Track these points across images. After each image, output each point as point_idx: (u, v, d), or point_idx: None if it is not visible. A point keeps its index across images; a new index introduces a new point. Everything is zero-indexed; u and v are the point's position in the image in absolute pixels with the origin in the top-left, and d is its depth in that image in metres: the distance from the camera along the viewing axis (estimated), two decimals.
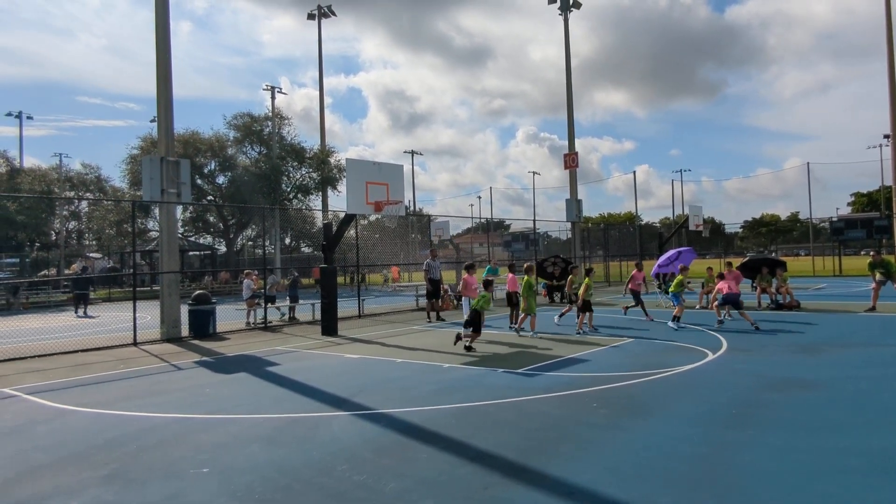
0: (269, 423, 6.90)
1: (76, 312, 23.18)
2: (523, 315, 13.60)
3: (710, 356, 10.03)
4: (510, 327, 14.65)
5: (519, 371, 9.34)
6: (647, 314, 15.47)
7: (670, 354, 10.36)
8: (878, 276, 15.50)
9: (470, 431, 6.24)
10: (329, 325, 14.98)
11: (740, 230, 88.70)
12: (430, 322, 17.12)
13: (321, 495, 4.73)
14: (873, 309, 15.37)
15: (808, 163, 36.71)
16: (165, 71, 15.45)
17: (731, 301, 13.68)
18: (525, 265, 14.52)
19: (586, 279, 13.89)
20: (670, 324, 13.78)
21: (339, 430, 6.53)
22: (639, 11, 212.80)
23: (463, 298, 13.35)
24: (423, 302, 21.45)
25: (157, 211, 35.53)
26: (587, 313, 13.65)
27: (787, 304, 17.17)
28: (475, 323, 11.44)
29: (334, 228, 15.83)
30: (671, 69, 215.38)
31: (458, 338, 11.66)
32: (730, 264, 17.26)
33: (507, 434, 6.12)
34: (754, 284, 18.34)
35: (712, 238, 40.23)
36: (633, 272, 17.08)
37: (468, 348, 11.31)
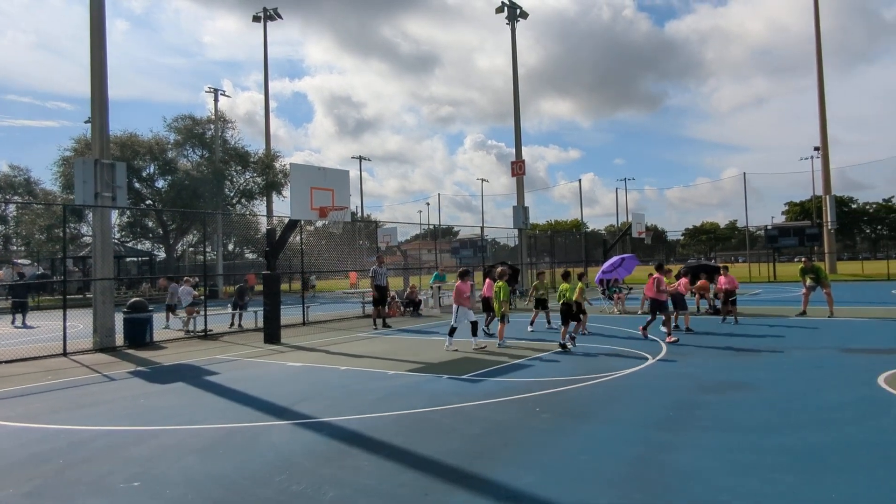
0: (205, 434, 6.67)
1: (13, 323, 21.72)
2: (500, 325, 13.06)
3: (650, 360, 10.27)
4: (484, 330, 14.50)
5: (463, 377, 9.34)
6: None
7: (611, 360, 10.56)
8: (808, 281, 16.25)
9: (412, 438, 6.19)
10: (272, 332, 14.66)
11: (682, 237, 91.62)
12: (376, 329, 16.96)
13: None
14: (804, 313, 16.09)
15: (744, 173, 38.30)
16: (100, 69, 14.86)
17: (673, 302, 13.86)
18: (498, 270, 14.17)
19: (579, 284, 12.98)
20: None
21: (278, 439, 6.37)
22: (583, 24, 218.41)
23: (454, 307, 12.71)
24: (370, 309, 21.27)
25: (90, 215, 34.16)
26: (575, 322, 12.52)
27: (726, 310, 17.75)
28: (568, 315, 11.96)
29: (278, 234, 15.53)
30: (615, 80, 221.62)
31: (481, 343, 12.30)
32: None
33: (449, 440, 6.10)
34: (693, 290, 18.91)
35: (655, 245, 41.43)
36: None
37: (563, 346, 11.74)
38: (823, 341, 11.82)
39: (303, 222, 19.12)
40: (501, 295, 13.26)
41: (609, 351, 11.47)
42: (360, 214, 71.23)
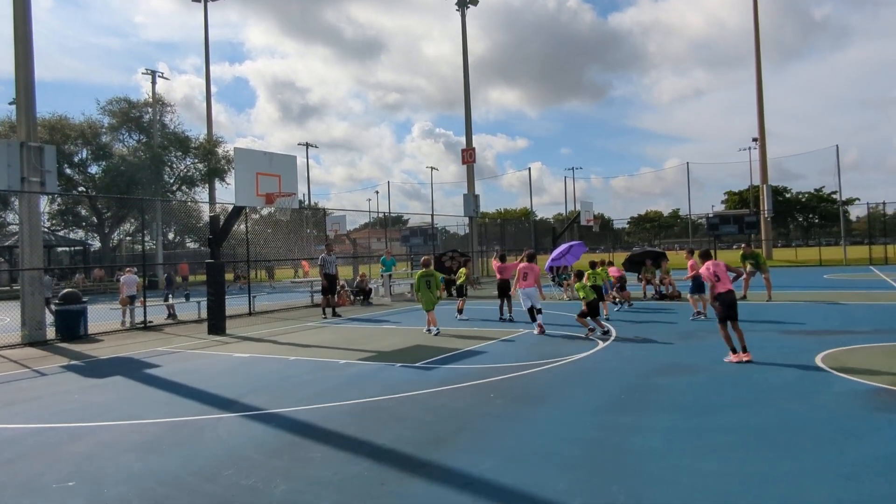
0: (146, 429, 6.35)
1: None
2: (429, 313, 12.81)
3: (601, 345, 10.39)
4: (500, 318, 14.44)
5: (417, 365, 9.22)
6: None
7: (563, 344, 10.64)
8: (748, 266, 16.79)
9: (366, 428, 6.04)
10: (216, 323, 14.19)
11: (627, 225, 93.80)
12: (325, 318, 16.65)
13: (206, 502, 4.37)
14: (744, 297, 16.61)
15: (687, 163, 39.44)
16: (25, 47, 13.97)
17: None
18: (423, 258, 14.01)
19: (597, 271, 12.86)
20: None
21: (225, 433, 6.12)
22: (529, 14, 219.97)
23: (519, 290, 12.68)
24: (319, 298, 20.92)
25: (17, 202, 32.33)
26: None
27: (670, 295, 18.22)
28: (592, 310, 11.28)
29: (222, 222, 15.00)
30: (560, 70, 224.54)
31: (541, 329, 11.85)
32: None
33: (404, 428, 5.98)
34: (640, 276, 19.32)
35: (602, 233, 42.24)
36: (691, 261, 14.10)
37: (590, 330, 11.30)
38: (762, 324, 12.21)
39: (248, 210, 18.58)
40: (432, 284, 12.94)
41: (560, 336, 11.56)
42: (307, 202, 70.05)
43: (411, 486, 4.54)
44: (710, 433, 5.46)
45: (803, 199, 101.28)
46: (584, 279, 11.73)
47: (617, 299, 16.51)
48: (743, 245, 18.16)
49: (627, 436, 5.46)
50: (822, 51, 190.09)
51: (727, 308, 8.47)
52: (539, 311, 12.38)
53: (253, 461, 5.19)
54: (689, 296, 14.07)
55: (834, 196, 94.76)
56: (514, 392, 7.28)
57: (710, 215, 41.27)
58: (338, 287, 18.87)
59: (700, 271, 8.97)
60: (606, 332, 11.41)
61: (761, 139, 40.54)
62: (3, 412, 7.31)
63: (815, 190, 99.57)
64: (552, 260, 20.65)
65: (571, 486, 4.37)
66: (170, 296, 18.16)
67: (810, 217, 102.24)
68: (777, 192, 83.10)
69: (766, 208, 38.68)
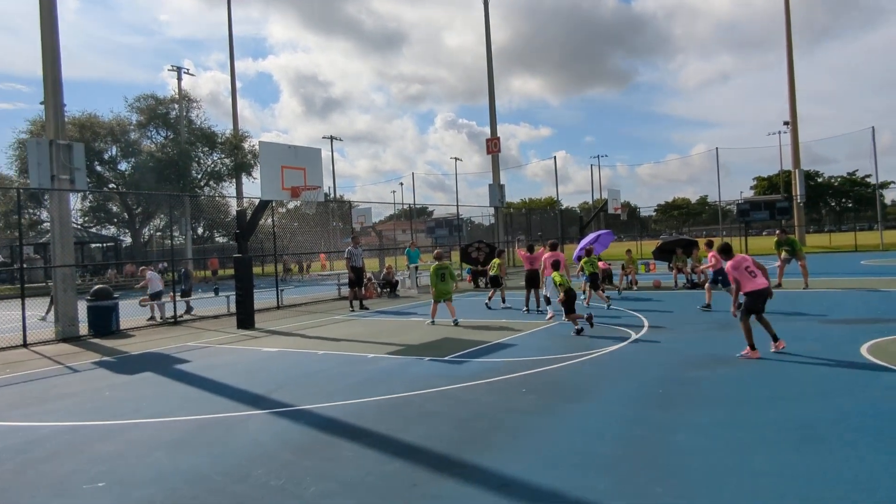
0: (176, 426, 6.31)
1: None
2: (435, 303, 13.21)
3: (633, 336, 10.14)
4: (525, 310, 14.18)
5: (446, 359, 9.08)
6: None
7: (594, 336, 10.39)
8: (783, 253, 16.31)
9: (397, 425, 5.91)
10: (245, 317, 14.22)
11: (654, 213, 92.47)
12: (352, 311, 16.63)
13: None
14: (779, 286, 16.14)
15: (716, 148, 38.69)
16: (52, 45, 14.07)
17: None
18: (435, 252, 14.23)
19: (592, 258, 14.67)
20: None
21: (255, 430, 6.04)
22: (550, 1, 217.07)
23: (548, 278, 12.81)
24: (346, 291, 20.92)
25: (49, 200, 32.94)
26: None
27: (701, 283, 17.80)
28: (568, 303, 10.72)
29: (249, 216, 15.00)
30: (583, 57, 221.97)
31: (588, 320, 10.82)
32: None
33: (436, 426, 5.84)
34: (670, 266, 18.92)
35: (629, 221, 41.65)
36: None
37: (579, 331, 10.53)
38: (801, 313, 11.81)
39: (274, 203, 18.59)
40: (446, 276, 13.27)
41: (589, 328, 11.29)
42: (332, 196, 70.29)
43: (444, 487, 4.39)
44: (757, 429, 5.21)
45: (835, 184, 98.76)
46: (561, 269, 11.65)
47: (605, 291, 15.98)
48: (777, 231, 17.63)
49: (669, 433, 5.24)
50: (853, 30, 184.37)
51: (756, 302, 8.01)
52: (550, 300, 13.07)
53: (283, 460, 5.10)
54: (708, 285, 13.69)
55: (868, 179, 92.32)
56: (547, 387, 7.09)
57: (741, 201, 40.40)
58: (365, 279, 18.86)
59: (727, 269, 8.44)
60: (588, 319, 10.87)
61: (793, 122, 39.42)
62: (37, 409, 7.35)
63: (848, 174, 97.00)
64: (580, 249, 20.32)
65: (613, 487, 4.18)
66: (188, 291, 18.20)
67: (843, 202, 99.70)
68: (808, 177, 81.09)
69: (798, 193, 37.66)
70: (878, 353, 7.83)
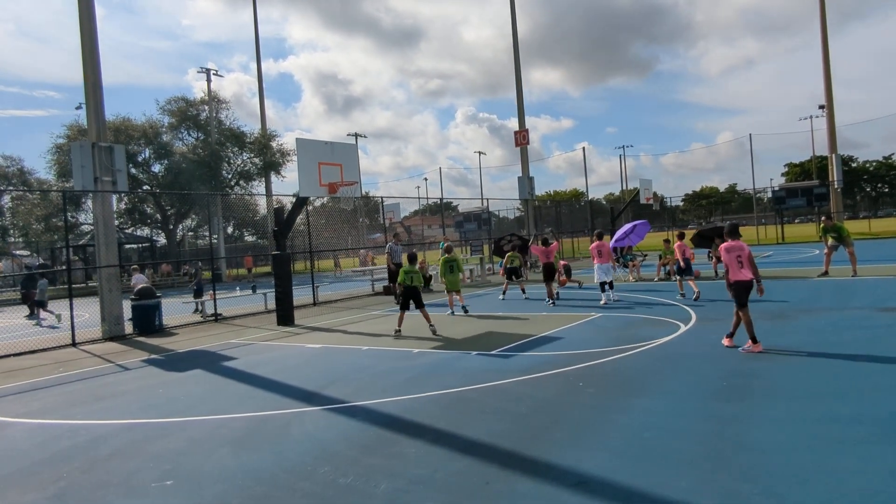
0: (234, 423, 6.31)
1: (31, 317, 20.67)
2: (450, 294, 13.98)
3: (683, 328, 9.92)
4: (546, 301, 14.47)
5: (493, 353, 8.98)
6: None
7: (642, 328, 10.20)
8: (830, 241, 15.85)
9: (456, 421, 5.83)
10: (285, 314, 14.28)
11: (682, 203, 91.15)
12: (397, 304, 16.70)
13: (306, 503, 4.24)
14: (826, 273, 15.72)
15: (749, 134, 37.91)
16: (91, 48, 14.24)
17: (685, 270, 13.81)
18: (445, 244, 14.87)
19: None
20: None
21: (313, 427, 6.01)
22: None
23: (596, 266, 13.96)
24: (379, 287, 21.03)
25: (89, 202, 33.53)
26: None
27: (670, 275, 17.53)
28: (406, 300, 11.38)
29: (285, 213, 15.05)
30: (603, 48, 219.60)
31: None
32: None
33: (495, 421, 5.74)
34: (710, 254, 18.55)
35: (659, 212, 41.02)
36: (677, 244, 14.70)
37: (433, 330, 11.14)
38: (856, 301, 11.46)
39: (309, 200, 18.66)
40: (455, 268, 14.22)
41: (636, 319, 11.11)
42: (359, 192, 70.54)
43: (519, 484, 4.29)
44: (837, 424, 5.00)
45: (871, 168, 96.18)
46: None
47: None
48: (823, 218, 17.14)
49: (743, 427, 5.07)
50: (884, 10, 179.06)
51: (746, 293, 7.99)
52: (610, 286, 13.76)
53: (347, 457, 5.05)
54: (677, 279, 14.24)
55: None
56: (604, 380, 6.94)
57: (776, 188, 39.51)
58: None
59: (720, 249, 8.37)
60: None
61: (829, 106, 38.34)
62: (94, 407, 7.43)
63: (884, 158, 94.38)
64: (616, 241, 20.05)
65: (695, 485, 4.04)
66: (199, 291, 18.22)
67: (878, 187, 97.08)
68: (843, 162, 79.17)
69: (836, 178, 36.66)
70: None
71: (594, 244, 14.40)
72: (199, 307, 17.50)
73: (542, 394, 6.57)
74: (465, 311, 13.50)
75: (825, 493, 3.82)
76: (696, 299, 12.88)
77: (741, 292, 8.01)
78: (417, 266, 12.14)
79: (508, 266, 16.45)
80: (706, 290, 14.75)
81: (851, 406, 5.44)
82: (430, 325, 11.21)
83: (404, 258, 12.53)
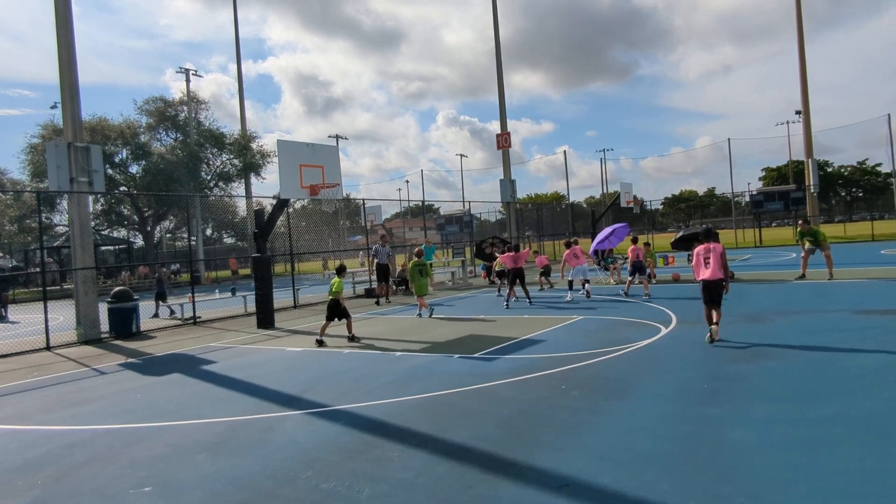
0: (213, 428, 6.22)
1: (3, 321, 20.38)
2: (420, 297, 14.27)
3: (664, 330, 9.99)
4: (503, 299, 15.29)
5: (476, 356, 8.96)
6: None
7: (623, 330, 10.26)
8: (807, 244, 16.09)
9: (439, 424, 5.80)
10: (265, 317, 14.15)
11: (661, 207, 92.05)
12: (384, 304, 17.27)
13: None
14: (803, 276, 15.95)
15: (728, 139, 38.25)
16: (68, 49, 14.01)
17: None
18: (416, 249, 15.33)
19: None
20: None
21: (294, 431, 5.94)
22: None
23: (575, 268, 15.34)
24: (360, 290, 21.05)
25: (64, 203, 32.95)
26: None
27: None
28: (336, 312, 10.90)
29: (266, 215, 14.92)
30: (583, 52, 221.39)
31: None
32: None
33: (479, 424, 5.72)
34: (689, 256, 18.71)
35: (639, 215, 41.36)
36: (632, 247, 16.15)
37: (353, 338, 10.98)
38: (833, 304, 11.64)
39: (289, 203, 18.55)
40: (424, 272, 14.49)
41: (617, 322, 11.18)
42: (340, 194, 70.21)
43: (501, 488, 4.27)
44: (817, 425, 5.06)
45: (846, 173, 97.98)
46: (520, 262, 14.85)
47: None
48: (800, 222, 17.39)
49: (725, 430, 5.10)
50: (855, 18, 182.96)
51: (707, 291, 8.71)
52: (588, 282, 15.28)
53: (329, 462, 4.99)
54: (626, 278, 15.81)
55: (878, 168, 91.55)
56: (588, 383, 6.95)
57: (754, 192, 40.05)
58: (394, 276, 19.66)
59: (694, 252, 9.06)
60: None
61: (805, 112, 38.98)
62: (69, 412, 7.28)
63: (858, 163, 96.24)
64: (596, 243, 20.18)
65: (678, 487, 4.05)
66: (162, 294, 18.06)
67: (853, 191, 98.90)
68: (819, 167, 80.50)
69: (812, 183, 37.28)
70: None
71: (568, 251, 15.57)
72: (170, 310, 17.37)
73: (525, 397, 6.57)
74: (430, 315, 13.72)
75: (806, 493, 3.85)
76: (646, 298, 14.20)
77: (703, 289, 8.80)
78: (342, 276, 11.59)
79: (498, 269, 16.66)
80: (685, 292, 14.90)
81: (830, 407, 5.51)
82: (350, 334, 11.07)
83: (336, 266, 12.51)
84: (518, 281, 15.03)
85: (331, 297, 10.98)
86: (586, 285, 15.27)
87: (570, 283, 15.28)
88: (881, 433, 4.78)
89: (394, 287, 21.02)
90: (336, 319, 11.01)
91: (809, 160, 37.89)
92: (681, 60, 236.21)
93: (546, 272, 18.75)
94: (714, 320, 8.66)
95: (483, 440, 5.26)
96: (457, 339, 10.56)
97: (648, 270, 18.66)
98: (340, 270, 11.66)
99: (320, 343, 10.84)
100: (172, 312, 17.49)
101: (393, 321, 13.91)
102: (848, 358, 7.30)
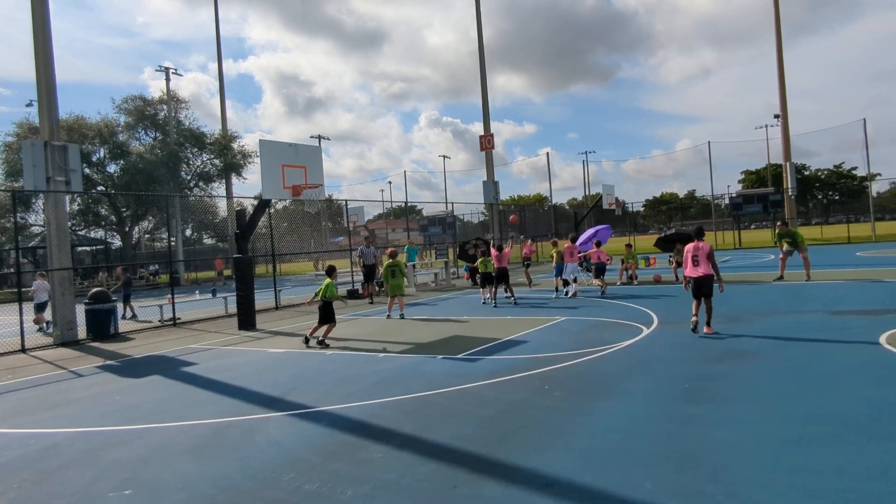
0: (195, 430, 6.15)
1: None
2: (391, 298, 14.29)
3: (646, 331, 10.07)
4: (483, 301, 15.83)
5: (459, 356, 8.97)
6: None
7: (605, 331, 10.33)
8: (785, 246, 16.33)
9: (423, 425, 5.79)
10: (247, 318, 14.02)
11: (642, 209, 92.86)
12: (371, 304, 17.52)
13: None
14: (781, 278, 16.19)
15: (708, 142, 38.72)
16: (45, 45, 13.78)
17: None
18: (388, 250, 15.41)
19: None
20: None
21: (276, 433, 5.90)
22: None
23: (568, 265, 16.03)
24: (342, 291, 20.97)
25: (40, 202, 32.39)
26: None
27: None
28: (328, 315, 10.73)
29: (247, 216, 14.80)
30: (565, 54, 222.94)
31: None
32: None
33: (463, 425, 5.72)
34: (670, 259, 18.91)
35: (620, 216, 41.75)
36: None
37: (321, 343, 10.63)
38: (810, 305, 11.82)
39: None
40: (397, 273, 14.44)
41: (600, 323, 11.25)
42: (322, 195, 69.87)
43: (486, 488, 4.28)
44: (795, 424, 5.13)
45: (822, 177, 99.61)
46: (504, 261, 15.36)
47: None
48: (779, 223, 17.66)
49: (706, 429, 5.15)
50: (831, 24, 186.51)
51: (697, 287, 9.34)
52: (575, 280, 16.01)
53: (311, 463, 4.96)
54: (592, 279, 17.12)
55: (854, 172, 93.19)
56: (570, 383, 6.99)
57: (734, 195, 40.60)
58: (378, 276, 19.70)
59: (685, 250, 9.78)
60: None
61: (783, 116, 39.57)
62: (47, 416, 7.15)
63: (835, 166, 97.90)
64: (580, 245, 20.30)
65: (661, 486, 4.08)
66: (128, 296, 17.85)
67: (830, 194, 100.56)
68: (796, 170, 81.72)
69: (789, 186, 37.86)
70: None
71: (569, 246, 16.39)
72: (130, 311, 17.16)
73: (509, 397, 6.58)
74: (401, 317, 13.80)
75: (786, 491, 3.90)
76: (602, 294, 15.54)
77: (693, 287, 9.41)
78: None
79: (483, 272, 16.44)
80: (667, 291, 15.07)
81: (808, 406, 5.59)
82: (323, 339, 10.78)
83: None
84: (503, 281, 15.27)
85: (321, 300, 10.76)
86: (573, 285, 15.87)
87: (566, 281, 16.02)
88: (858, 431, 4.87)
89: (377, 288, 20.96)
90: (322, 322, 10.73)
91: (787, 163, 38.44)
92: (661, 64, 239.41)
93: (528, 264, 19.25)
94: (695, 312, 9.42)
95: (467, 440, 5.26)
96: (440, 340, 10.55)
97: (631, 272, 18.85)
98: (330, 272, 11.30)
99: (322, 343, 10.58)
100: (133, 316, 17.28)
101: (376, 322, 13.85)
102: (826, 358, 7.42)
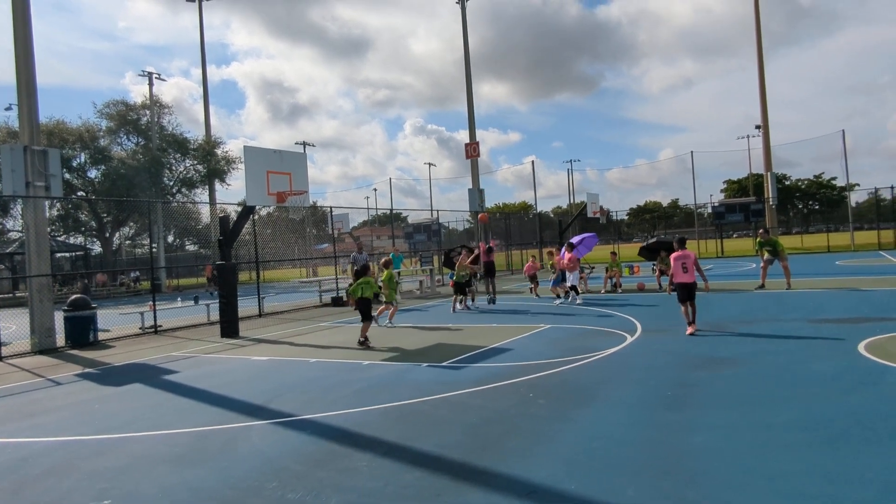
0: (176, 439, 6.08)
1: None
2: (384, 306, 14.02)
3: (629, 339, 10.13)
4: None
5: (444, 364, 8.96)
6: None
7: (590, 339, 10.38)
8: (766, 254, 16.53)
9: (407, 433, 5.77)
10: (229, 326, 13.90)
11: (626, 217, 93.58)
12: (356, 310, 17.14)
13: None
14: (763, 286, 16.38)
15: (691, 152, 39.21)
16: (26, 49, 13.65)
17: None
18: (382, 260, 15.41)
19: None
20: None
21: (259, 441, 5.84)
22: (512, 7, 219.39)
23: (568, 272, 16.30)
24: (327, 298, 20.80)
25: (17, 208, 31.95)
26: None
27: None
28: (365, 313, 11.33)
29: (231, 222, 14.70)
30: (550, 63, 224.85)
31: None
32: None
33: (447, 433, 5.71)
34: (654, 266, 19.07)
35: (605, 224, 42.05)
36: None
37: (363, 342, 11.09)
38: (789, 313, 11.97)
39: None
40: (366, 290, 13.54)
41: (584, 330, 11.30)
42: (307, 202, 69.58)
43: (470, 496, 4.27)
44: (775, 430, 5.19)
45: (802, 187, 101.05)
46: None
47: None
48: (760, 231, 17.89)
49: (687, 435, 5.20)
50: (810, 37, 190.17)
51: (685, 292, 10.17)
52: (573, 287, 16.24)
53: (295, 472, 4.92)
54: (550, 287, 17.14)
55: (833, 182, 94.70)
56: (554, 391, 7.01)
57: (716, 204, 41.05)
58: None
59: (671, 258, 10.45)
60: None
61: (765, 126, 40.15)
62: (25, 424, 7.03)
63: (815, 176, 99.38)
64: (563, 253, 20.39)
65: (643, 492, 4.11)
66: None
67: (810, 204, 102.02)
68: (777, 180, 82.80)
69: (771, 196, 38.39)
70: (878, 351, 7.92)
71: (571, 256, 16.50)
72: None
73: (493, 405, 6.58)
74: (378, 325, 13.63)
75: (767, 497, 3.94)
76: (557, 304, 15.86)
77: (682, 291, 10.23)
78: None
79: (457, 279, 16.50)
80: (650, 299, 15.19)
81: (789, 413, 5.66)
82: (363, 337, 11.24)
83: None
84: (489, 276, 15.96)
85: (362, 296, 11.43)
86: (572, 293, 16.22)
87: (574, 287, 16.21)
88: (838, 437, 4.93)
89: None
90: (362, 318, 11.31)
91: (769, 173, 38.97)
92: (644, 74, 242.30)
93: (534, 278, 19.19)
94: (691, 318, 10.21)
95: (451, 448, 5.25)
96: (424, 348, 10.54)
97: (615, 280, 18.97)
98: (365, 270, 12.10)
99: (362, 343, 11.06)
100: None
101: (359, 330, 13.77)
102: (805, 365, 7.52)
